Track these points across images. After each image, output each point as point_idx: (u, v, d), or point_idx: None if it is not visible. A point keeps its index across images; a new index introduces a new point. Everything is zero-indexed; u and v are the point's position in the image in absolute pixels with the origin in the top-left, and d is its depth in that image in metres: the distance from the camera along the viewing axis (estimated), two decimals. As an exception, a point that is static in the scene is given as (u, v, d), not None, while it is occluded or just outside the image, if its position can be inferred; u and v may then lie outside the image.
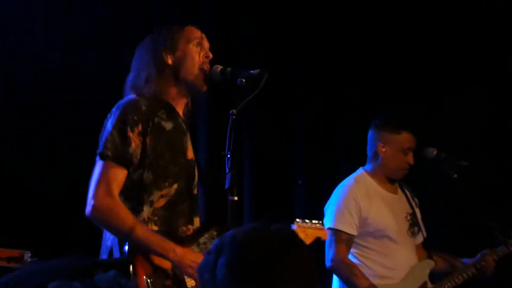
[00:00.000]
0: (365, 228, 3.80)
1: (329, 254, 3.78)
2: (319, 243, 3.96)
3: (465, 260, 3.96)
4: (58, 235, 3.97)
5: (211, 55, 2.91)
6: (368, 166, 3.98)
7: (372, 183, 3.91)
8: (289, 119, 4.98)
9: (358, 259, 3.82)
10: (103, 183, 2.64)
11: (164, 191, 2.75)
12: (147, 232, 2.63)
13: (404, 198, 3.99)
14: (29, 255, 3.51)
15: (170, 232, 2.71)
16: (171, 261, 2.62)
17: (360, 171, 3.98)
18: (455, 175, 3.83)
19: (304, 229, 2.94)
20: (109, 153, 2.67)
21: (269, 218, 1.71)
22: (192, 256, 2.63)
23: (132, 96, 2.82)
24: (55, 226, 3.98)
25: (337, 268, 3.75)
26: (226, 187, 2.56)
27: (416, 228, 3.95)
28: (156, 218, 2.72)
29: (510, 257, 3.92)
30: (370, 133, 4.00)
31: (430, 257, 3.95)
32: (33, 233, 3.86)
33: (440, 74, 4.79)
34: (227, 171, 2.58)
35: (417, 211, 4.02)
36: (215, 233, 2.81)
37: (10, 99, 4.07)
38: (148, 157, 2.72)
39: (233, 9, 4.73)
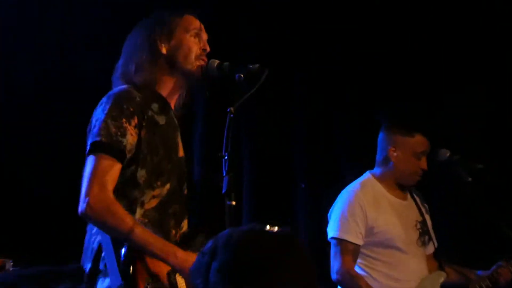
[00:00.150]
0: (372, 237, 3.73)
1: (334, 265, 3.70)
2: (321, 251, 3.99)
3: (479, 272, 3.91)
4: (43, 242, 3.99)
5: (208, 48, 2.85)
6: (376, 170, 3.91)
7: (380, 188, 3.84)
8: (290, 119, 4.99)
9: (364, 270, 3.74)
10: (98, 179, 2.55)
11: (156, 191, 2.69)
12: (147, 233, 2.55)
13: (413, 205, 3.93)
14: (11, 263, 3.49)
15: (162, 235, 2.62)
16: (171, 265, 2.56)
17: (367, 175, 3.90)
18: (469, 179, 3.79)
19: None
20: (104, 139, 2.58)
21: (269, 223, 1.69)
22: (194, 260, 2.57)
23: (123, 86, 2.74)
24: (41, 233, 4.01)
25: (343, 280, 3.67)
26: (223, 191, 2.51)
27: (426, 237, 3.88)
28: (146, 220, 2.65)
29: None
30: (380, 136, 3.92)
31: (441, 268, 3.88)
32: (17, 240, 3.89)
33: (440, 74, 4.81)
34: (224, 174, 2.52)
35: (428, 218, 3.94)
36: (202, 239, 2.72)
37: (10, 99, 4.15)
38: (142, 153, 2.65)
39: (233, 9, 4.77)
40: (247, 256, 1.53)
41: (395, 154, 3.84)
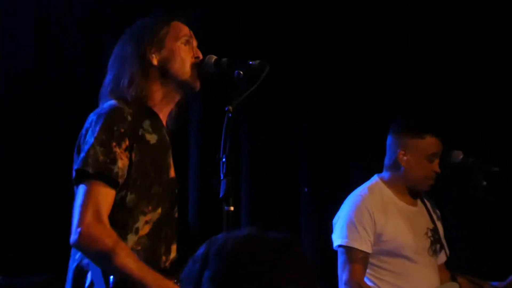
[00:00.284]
0: (380, 245, 3.66)
1: (343, 276, 3.63)
2: (326, 261, 3.96)
3: (494, 283, 3.86)
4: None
5: (201, 56, 2.80)
6: (385, 174, 3.83)
7: (388, 193, 3.77)
8: (291, 119, 5.01)
9: (370, 281, 3.68)
10: (91, 207, 2.51)
11: (148, 216, 2.64)
12: (142, 267, 2.50)
13: (424, 211, 3.85)
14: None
15: (153, 263, 2.59)
16: None
17: (376, 179, 3.83)
18: (484, 183, 3.73)
19: None
20: (90, 170, 2.53)
21: (270, 230, 1.67)
22: None
23: (113, 102, 2.67)
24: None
25: None
26: (220, 195, 2.48)
27: (438, 246, 3.81)
28: (139, 248, 2.60)
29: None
30: (389, 140, 3.84)
31: (454, 278, 3.82)
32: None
33: (441, 74, 4.83)
34: (222, 177, 2.50)
35: (439, 226, 3.87)
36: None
37: (10, 99, 4.23)
38: (132, 177, 2.60)
39: (233, 9, 4.83)
40: (241, 265, 1.50)
41: (405, 158, 3.76)
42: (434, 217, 3.89)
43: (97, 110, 2.68)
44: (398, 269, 3.70)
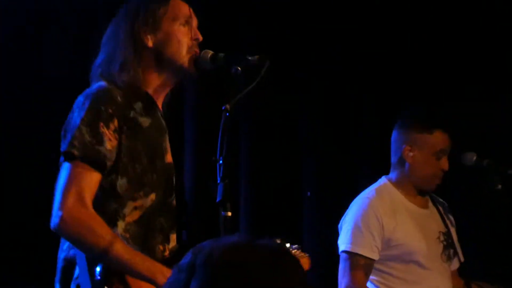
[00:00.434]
0: (389, 251, 3.64)
1: (342, 283, 3.62)
2: (330, 269, 3.96)
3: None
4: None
5: (201, 37, 2.76)
6: (392, 175, 3.80)
7: (397, 195, 3.74)
8: (292, 119, 5.05)
9: (378, 288, 3.65)
10: (73, 190, 2.49)
11: (139, 202, 2.62)
12: (129, 250, 2.49)
13: (436, 214, 3.82)
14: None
15: (146, 252, 2.58)
16: (160, 286, 2.49)
17: (383, 180, 3.80)
18: (499, 186, 3.72)
19: None
20: (76, 152, 2.52)
21: (270, 237, 1.66)
22: None
23: (102, 83, 2.66)
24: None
25: None
26: (217, 200, 2.48)
27: (451, 251, 3.78)
28: (128, 235, 2.59)
29: None
30: (394, 135, 3.81)
31: (468, 286, 3.80)
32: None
33: (442, 75, 4.91)
34: (219, 181, 2.49)
35: (453, 230, 3.84)
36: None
37: (10, 99, 4.27)
38: (122, 160, 2.59)
39: (233, 9, 4.90)
40: (230, 275, 1.48)
41: (411, 154, 3.72)
42: (447, 221, 3.86)
43: (86, 91, 2.66)
44: (409, 276, 3.68)
